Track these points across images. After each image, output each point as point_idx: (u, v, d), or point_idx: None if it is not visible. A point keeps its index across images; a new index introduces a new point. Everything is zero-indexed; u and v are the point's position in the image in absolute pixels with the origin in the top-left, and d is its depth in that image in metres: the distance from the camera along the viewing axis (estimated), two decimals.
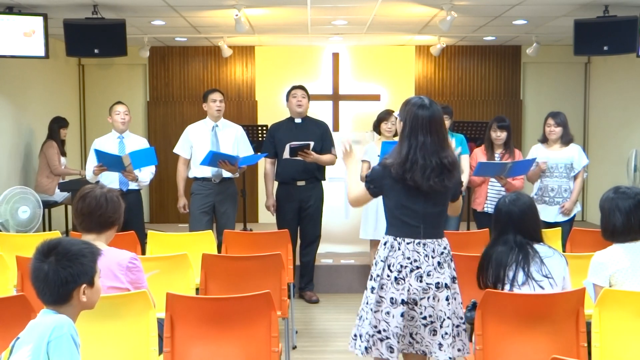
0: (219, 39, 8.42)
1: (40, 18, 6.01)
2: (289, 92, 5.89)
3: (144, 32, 7.91)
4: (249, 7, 6.43)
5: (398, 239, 3.19)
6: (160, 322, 3.15)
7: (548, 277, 3.19)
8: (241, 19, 6.29)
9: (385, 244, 3.23)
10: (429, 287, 3.14)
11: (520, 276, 3.19)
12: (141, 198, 6.00)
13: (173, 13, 6.69)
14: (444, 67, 9.48)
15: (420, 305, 3.14)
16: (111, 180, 5.63)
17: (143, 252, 4.76)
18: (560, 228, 5.11)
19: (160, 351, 3.12)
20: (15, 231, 6.16)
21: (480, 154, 5.74)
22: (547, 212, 5.57)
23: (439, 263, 3.17)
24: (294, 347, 4.85)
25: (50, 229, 7.26)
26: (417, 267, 3.15)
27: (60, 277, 2.17)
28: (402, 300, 3.13)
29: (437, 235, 3.22)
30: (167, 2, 6.14)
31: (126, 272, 3.09)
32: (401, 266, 3.15)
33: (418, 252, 3.16)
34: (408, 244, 3.17)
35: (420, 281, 3.13)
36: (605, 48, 6.26)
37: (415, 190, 3.16)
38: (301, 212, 5.86)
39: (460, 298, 3.27)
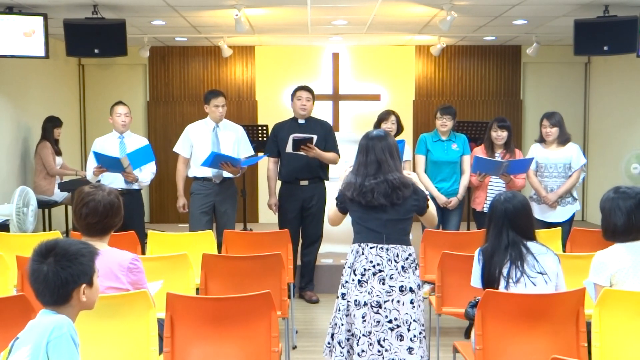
0: (219, 39, 8.42)
1: (40, 18, 6.00)
2: (294, 92, 5.86)
3: (144, 32, 7.91)
4: (249, 7, 6.43)
5: (362, 244, 3.35)
6: (160, 322, 3.15)
7: (542, 274, 3.24)
8: (241, 19, 6.29)
9: (352, 251, 3.39)
10: (392, 290, 3.25)
11: (514, 273, 3.23)
12: (142, 198, 6.00)
13: (173, 13, 6.69)
14: (444, 67, 9.48)
15: (385, 308, 3.24)
16: (112, 179, 5.62)
17: (143, 252, 4.76)
18: (560, 228, 5.11)
19: (160, 351, 3.12)
20: (29, 230, 6.18)
21: (480, 154, 5.73)
22: (546, 212, 5.57)
23: (402, 267, 3.29)
24: (294, 347, 4.85)
25: (50, 229, 7.26)
26: (380, 271, 3.28)
27: (60, 278, 2.17)
28: (365, 302, 3.24)
29: (401, 242, 3.35)
30: (167, 2, 6.14)
31: (127, 273, 3.09)
32: (364, 269, 3.29)
33: (381, 257, 3.30)
34: (371, 248, 3.32)
35: (383, 284, 3.26)
36: (605, 48, 6.25)
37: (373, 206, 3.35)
38: (303, 211, 5.85)
39: (423, 305, 3.38)
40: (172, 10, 6.52)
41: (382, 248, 3.31)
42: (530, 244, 3.30)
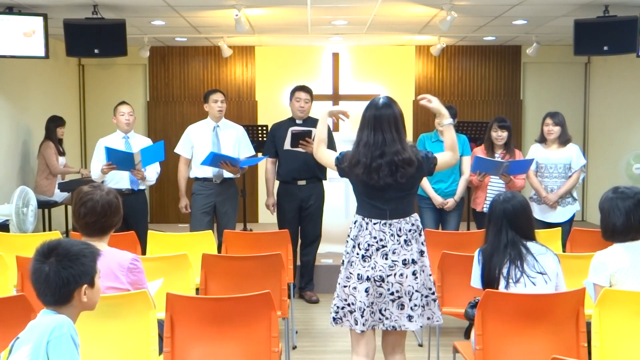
0: (219, 39, 8.42)
1: (40, 18, 6.01)
2: (293, 92, 5.86)
3: (144, 32, 7.91)
4: (249, 7, 6.43)
5: (366, 219, 3.36)
6: (160, 323, 3.15)
7: (542, 274, 3.24)
8: (241, 19, 6.29)
9: (355, 222, 3.40)
10: (395, 264, 3.28)
11: (514, 273, 3.24)
12: (146, 198, 5.99)
13: (173, 13, 6.69)
14: (444, 67, 9.48)
15: (387, 282, 3.28)
16: (118, 180, 5.61)
17: (144, 252, 4.76)
18: (560, 228, 5.11)
19: (160, 351, 3.12)
20: (29, 231, 6.17)
21: (480, 154, 5.72)
22: (546, 213, 5.57)
23: (405, 241, 3.31)
24: (294, 347, 4.86)
25: (50, 229, 7.26)
26: (383, 246, 3.30)
27: (62, 278, 2.17)
28: (368, 277, 3.29)
29: (403, 215, 3.35)
30: (167, 2, 6.14)
31: (127, 273, 3.09)
32: (368, 245, 3.32)
33: (384, 232, 3.31)
34: (375, 224, 3.33)
35: (386, 259, 3.29)
36: (605, 48, 6.26)
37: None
38: (302, 211, 5.85)
39: (429, 270, 3.39)
40: (172, 10, 6.52)
41: (385, 224, 3.31)
42: (530, 244, 3.30)
